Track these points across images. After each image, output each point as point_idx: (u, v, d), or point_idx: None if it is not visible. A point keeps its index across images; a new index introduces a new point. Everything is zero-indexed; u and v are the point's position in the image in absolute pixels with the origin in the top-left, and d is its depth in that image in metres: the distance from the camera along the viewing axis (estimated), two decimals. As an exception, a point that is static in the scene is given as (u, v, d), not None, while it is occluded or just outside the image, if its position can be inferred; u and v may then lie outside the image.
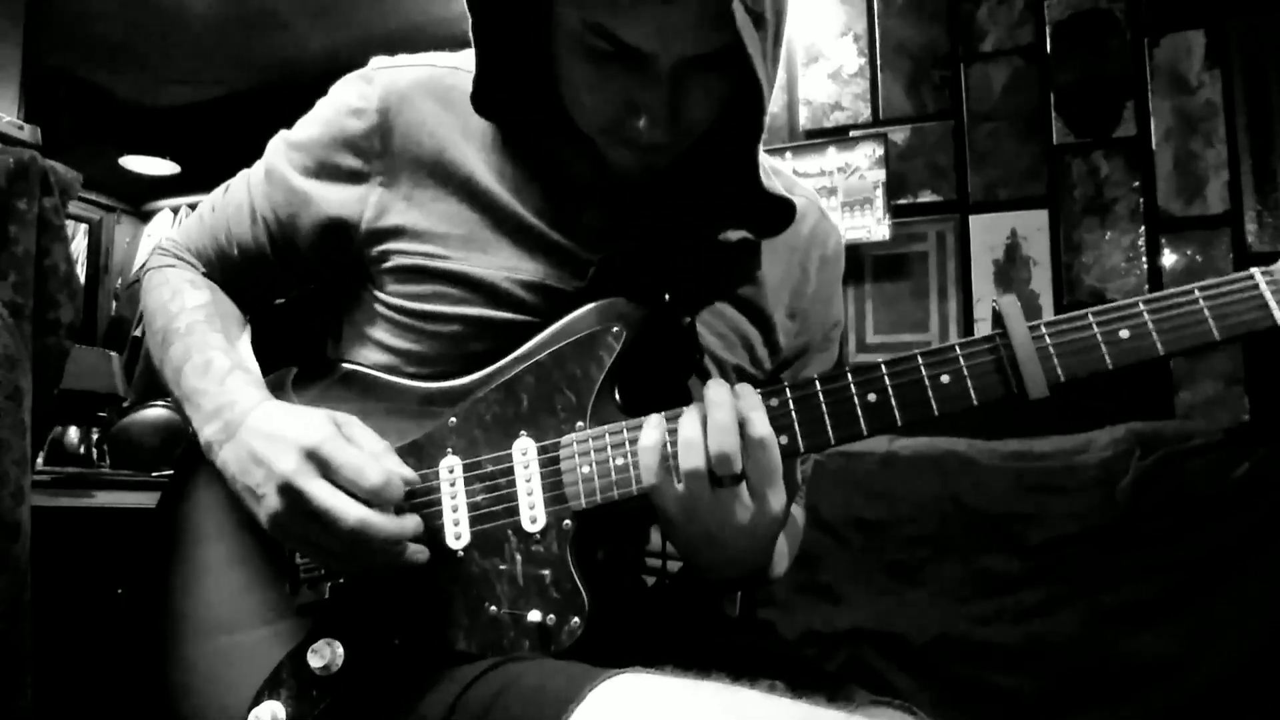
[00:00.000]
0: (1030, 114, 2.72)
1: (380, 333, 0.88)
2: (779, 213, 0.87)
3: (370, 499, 0.71)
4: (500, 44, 0.81)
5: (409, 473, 0.76)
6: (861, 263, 2.84)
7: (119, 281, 4.98)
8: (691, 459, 0.69)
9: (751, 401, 0.71)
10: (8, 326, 1.13)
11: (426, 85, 0.86)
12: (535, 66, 0.81)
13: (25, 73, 3.17)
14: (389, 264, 0.86)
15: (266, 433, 0.75)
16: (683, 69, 0.72)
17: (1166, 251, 2.55)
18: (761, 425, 0.69)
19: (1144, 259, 2.57)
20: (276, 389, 0.87)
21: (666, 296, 0.81)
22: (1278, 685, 1.79)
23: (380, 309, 0.88)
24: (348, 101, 0.87)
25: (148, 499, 1.76)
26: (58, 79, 4.04)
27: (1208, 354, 2.44)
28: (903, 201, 2.83)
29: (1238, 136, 2.50)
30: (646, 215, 0.86)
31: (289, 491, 0.71)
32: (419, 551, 0.74)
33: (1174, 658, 1.86)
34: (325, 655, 0.74)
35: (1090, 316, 0.69)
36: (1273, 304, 0.66)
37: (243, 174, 0.95)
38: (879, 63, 2.92)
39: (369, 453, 0.74)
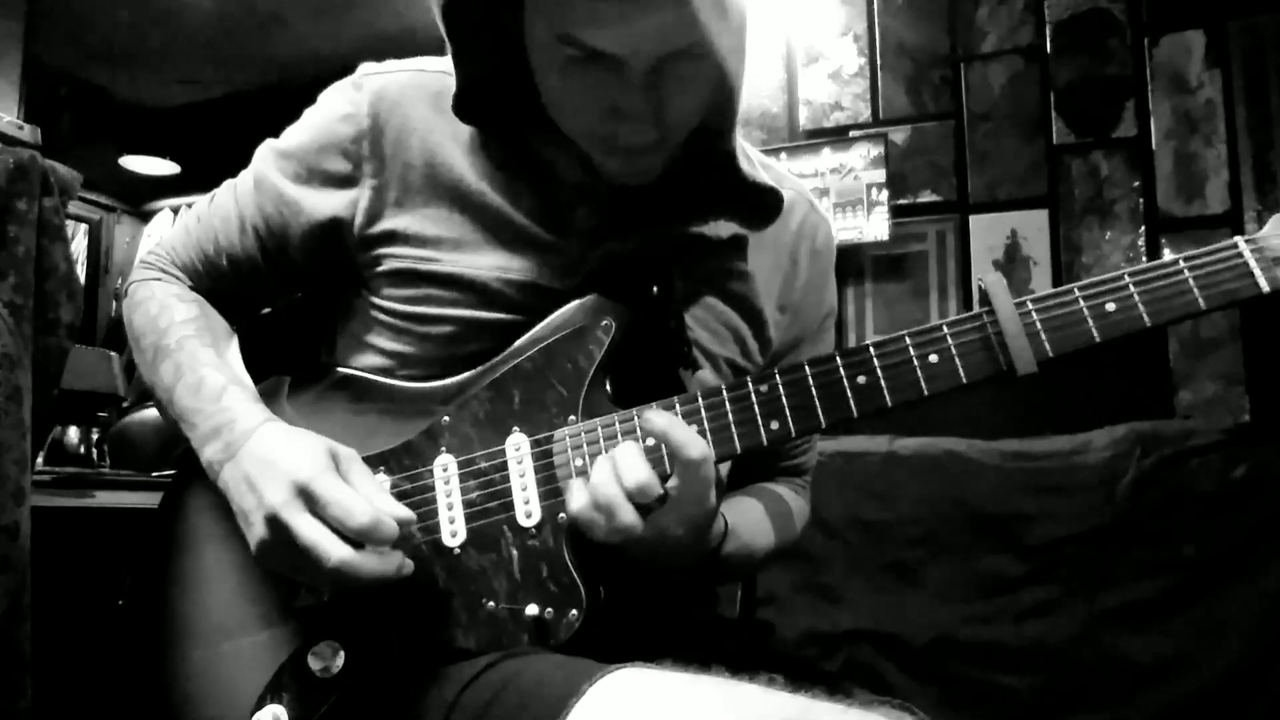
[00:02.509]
0: (1030, 114, 2.72)
1: (375, 336, 0.88)
2: (767, 203, 0.87)
3: (358, 538, 0.70)
4: (479, 56, 0.81)
5: (405, 512, 0.74)
6: (861, 263, 2.84)
7: (119, 281, 4.98)
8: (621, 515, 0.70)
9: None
10: (8, 326, 1.13)
11: (415, 90, 0.87)
12: (515, 73, 0.82)
13: (25, 73, 3.17)
14: (382, 268, 0.86)
15: (262, 458, 0.74)
16: (658, 68, 0.72)
17: (1166, 251, 2.55)
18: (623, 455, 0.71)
19: (1144, 259, 2.57)
20: (269, 397, 0.86)
21: (655, 290, 0.82)
22: (1278, 685, 1.79)
23: (374, 313, 0.88)
24: (337, 108, 0.87)
25: (148, 499, 1.76)
26: (58, 79, 4.04)
27: (1201, 350, 2.44)
28: (903, 201, 2.83)
29: (1238, 136, 2.50)
30: (636, 212, 0.87)
31: (275, 524, 0.70)
32: (405, 567, 0.73)
33: (1174, 658, 1.86)
34: (325, 657, 0.74)
35: (1076, 291, 0.69)
36: (1257, 271, 0.66)
37: (228, 184, 0.95)
38: (879, 63, 2.92)
39: (362, 493, 0.73)
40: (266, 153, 0.91)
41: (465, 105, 0.83)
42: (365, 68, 0.90)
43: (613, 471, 0.70)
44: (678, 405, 0.75)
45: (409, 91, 0.86)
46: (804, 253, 0.98)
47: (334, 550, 0.69)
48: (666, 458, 0.72)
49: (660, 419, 0.70)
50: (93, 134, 4.30)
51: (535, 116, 0.84)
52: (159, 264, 0.96)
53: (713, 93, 0.77)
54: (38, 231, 1.22)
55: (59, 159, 1.30)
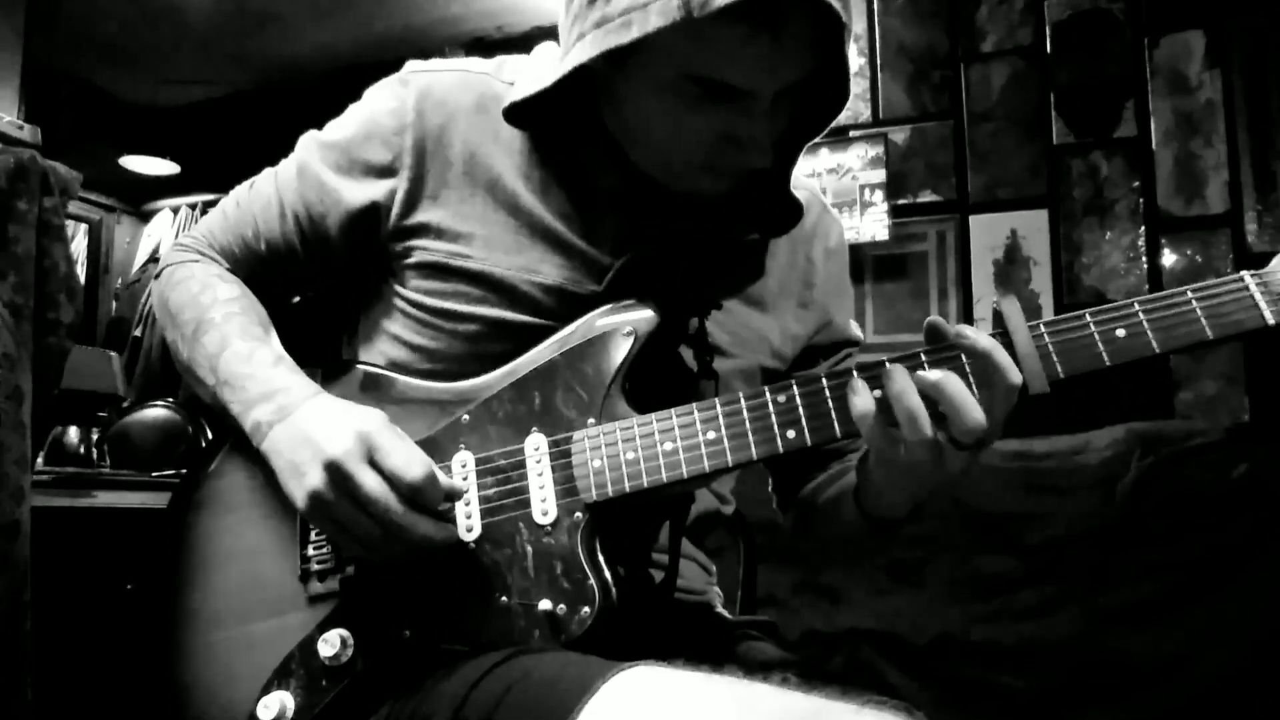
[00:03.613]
0: (1030, 114, 2.72)
1: (397, 327, 0.89)
2: (790, 212, 0.90)
3: (411, 494, 0.72)
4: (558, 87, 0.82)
5: (450, 481, 0.76)
6: (861, 263, 2.84)
7: (119, 281, 4.98)
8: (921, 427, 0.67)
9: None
10: (8, 326, 1.13)
11: (460, 90, 0.88)
12: (566, 86, 0.83)
13: (25, 73, 3.17)
14: (412, 259, 0.87)
15: (323, 416, 0.76)
16: (779, 95, 0.76)
17: (1166, 251, 2.56)
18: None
19: (1144, 259, 2.57)
20: None
21: (678, 301, 0.83)
22: (1278, 685, 1.79)
23: (399, 303, 0.89)
24: (383, 103, 0.89)
25: (148, 499, 1.76)
26: (58, 79, 4.03)
27: (1204, 352, 2.44)
28: (902, 201, 2.83)
29: (1238, 136, 2.50)
30: (666, 222, 0.88)
31: (336, 471, 0.72)
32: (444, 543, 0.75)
33: (1174, 658, 1.86)
34: (335, 645, 0.75)
35: (1088, 316, 0.71)
36: (1262, 304, 0.69)
37: (269, 171, 0.96)
38: (879, 63, 2.92)
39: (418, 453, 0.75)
40: (310, 142, 0.93)
41: (514, 110, 0.84)
42: (412, 65, 0.92)
43: (916, 385, 0.68)
44: (697, 412, 0.75)
45: (454, 91, 0.88)
46: (819, 252, 1.00)
47: (396, 503, 0.71)
48: (975, 381, 0.70)
49: (984, 338, 0.68)
50: (93, 134, 4.30)
51: (579, 122, 0.86)
52: (196, 246, 0.97)
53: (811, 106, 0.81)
54: (38, 231, 1.22)
55: (59, 159, 1.31)
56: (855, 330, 1.05)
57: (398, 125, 0.87)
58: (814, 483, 0.98)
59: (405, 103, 0.87)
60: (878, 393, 0.70)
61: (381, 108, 0.89)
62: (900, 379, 0.68)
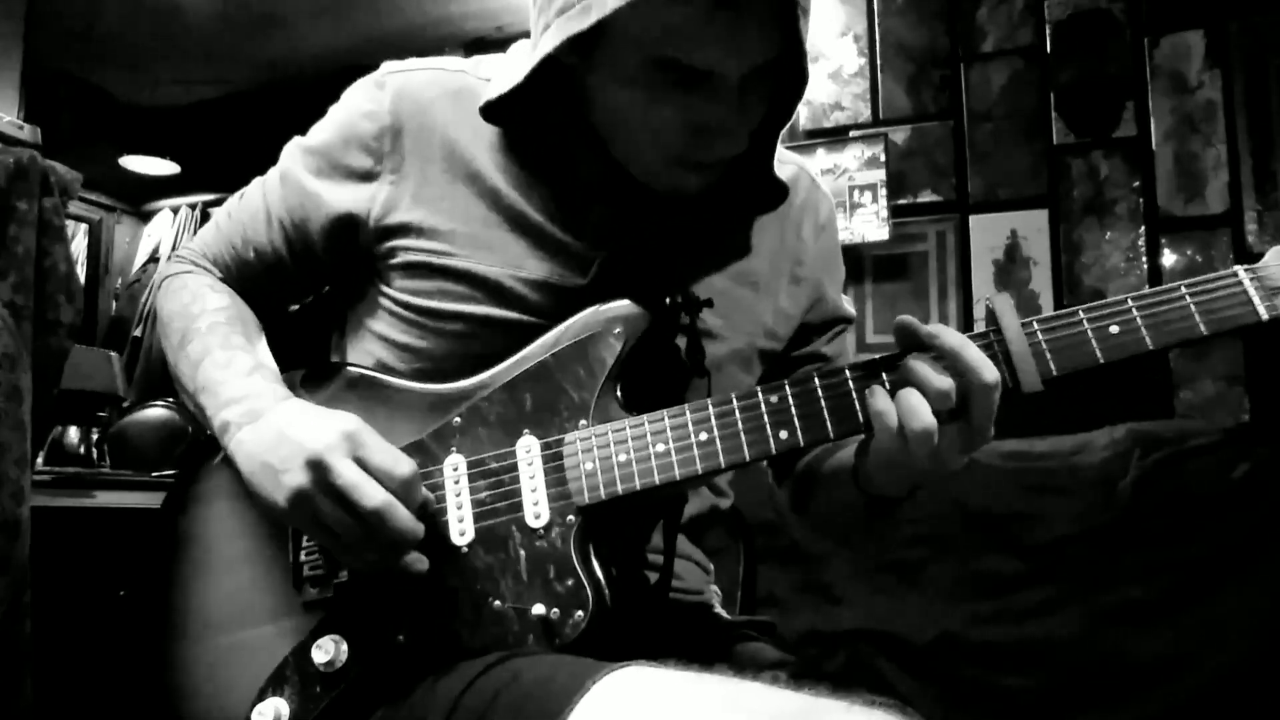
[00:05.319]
0: (1030, 114, 2.72)
1: (385, 328, 0.90)
2: (776, 192, 0.90)
3: (397, 490, 0.72)
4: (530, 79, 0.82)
5: (426, 493, 0.77)
6: (861, 263, 2.84)
7: (119, 281, 4.98)
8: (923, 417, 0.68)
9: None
10: (8, 326, 1.13)
11: (437, 88, 0.88)
12: (546, 78, 0.82)
13: (25, 73, 3.16)
14: (396, 260, 0.87)
15: (297, 416, 0.76)
16: (747, 81, 0.75)
17: (1166, 251, 2.56)
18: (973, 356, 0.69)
19: (1144, 259, 2.57)
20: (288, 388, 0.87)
21: (668, 300, 0.83)
22: (1278, 685, 1.79)
23: (386, 304, 0.89)
24: (360, 105, 0.89)
25: (148, 499, 1.77)
26: (58, 79, 4.03)
27: (1204, 352, 2.44)
28: (903, 201, 2.83)
29: (1238, 136, 2.50)
30: (650, 212, 0.87)
31: (317, 466, 0.71)
32: (419, 560, 0.75)
33: (1174, 658, 1.86)
34: (329, 651, 0.74)
35: (1081, 313, 0.71)
36: (1257, 300, 0.69)
37: (257, 181, 0.97)
38: (879, 63, 2.92)
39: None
40: (293, 149, 0.93)
41: (490, 106, 0.84)
42: (388, 66, 0.91)
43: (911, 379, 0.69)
44: (689, 412, 0.75)
45: (430, 89, 0.88)
46: (808, 228, 1.00)
47: (377, 492, 0.71)
48: (954, 379, 0.70)
49: (953, 337, 0.69)
50: (93, 134, 4.30)
51: (559, 115, 0.86)
52: (191, 257, 0.98)
53: (783, 92, 0.80)
54: (38, 231, 1.23)
55: (59, 159, 1.31)
56: (847, 306, 1.05)
57: (375, 128, 0.87)
58: (811, 453, 0.98)
59: (381, 105, 0.87)
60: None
61: (358, 110, 0.89)
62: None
